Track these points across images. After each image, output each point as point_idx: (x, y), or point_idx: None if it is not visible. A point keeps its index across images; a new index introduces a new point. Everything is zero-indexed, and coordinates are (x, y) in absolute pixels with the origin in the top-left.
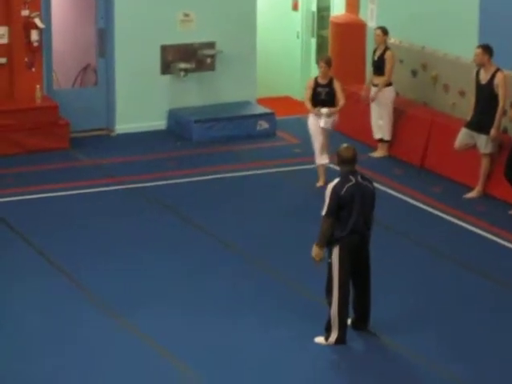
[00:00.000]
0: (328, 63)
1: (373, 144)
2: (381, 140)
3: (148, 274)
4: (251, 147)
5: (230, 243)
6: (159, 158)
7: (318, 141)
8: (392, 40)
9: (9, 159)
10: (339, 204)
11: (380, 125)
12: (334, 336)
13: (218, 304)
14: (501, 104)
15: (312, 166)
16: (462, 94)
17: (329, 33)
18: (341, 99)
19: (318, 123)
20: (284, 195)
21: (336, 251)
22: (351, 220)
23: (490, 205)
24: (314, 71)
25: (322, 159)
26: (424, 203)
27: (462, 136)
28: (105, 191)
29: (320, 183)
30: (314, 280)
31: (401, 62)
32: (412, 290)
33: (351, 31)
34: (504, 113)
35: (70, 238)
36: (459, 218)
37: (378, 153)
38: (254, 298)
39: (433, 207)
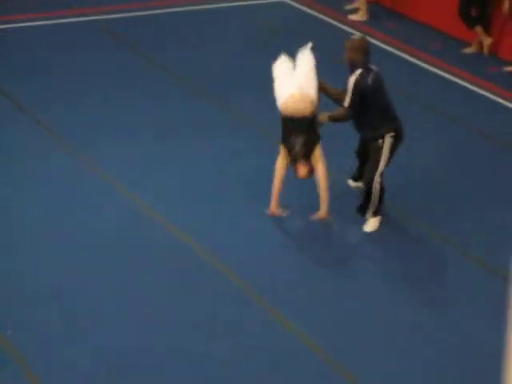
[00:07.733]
0: None
1: None
2: None
3: (105, 110)
4: None
5: (187, 79)
6: None
7: None
8: None
9: None
10: (364, 95)
11: None
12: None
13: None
14: None
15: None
16: None
17: None
18: None
19: None
20: (247, 31)
21: (389, 139)
22: (391, 106)
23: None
24: None
25: None
26: (419, 58)
27: None
28: (64, 23)
29: None
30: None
31: None
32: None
33: None
34: None
35: (30, 72)
36: (453, 74)
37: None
38: (211, 129)
39: (428, 63)
